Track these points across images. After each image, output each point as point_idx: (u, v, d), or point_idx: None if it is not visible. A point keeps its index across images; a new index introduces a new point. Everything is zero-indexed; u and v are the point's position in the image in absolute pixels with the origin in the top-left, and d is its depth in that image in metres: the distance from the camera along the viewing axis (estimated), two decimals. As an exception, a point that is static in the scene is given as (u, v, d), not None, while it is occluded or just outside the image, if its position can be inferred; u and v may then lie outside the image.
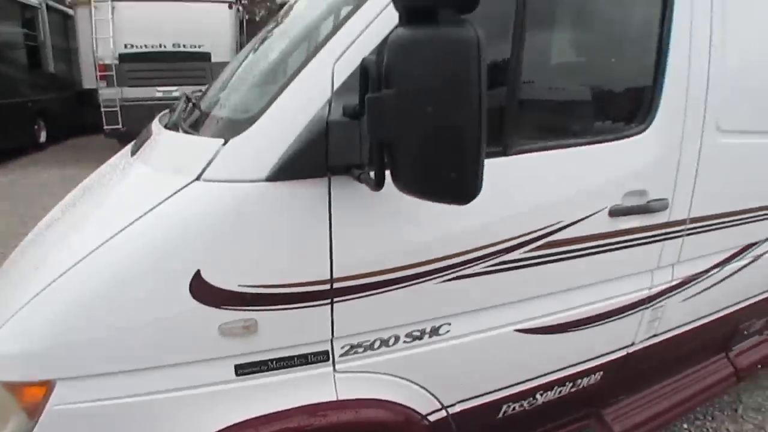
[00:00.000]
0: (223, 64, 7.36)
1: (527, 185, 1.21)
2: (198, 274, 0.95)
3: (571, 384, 1.62)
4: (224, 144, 1.00)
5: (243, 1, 9.93)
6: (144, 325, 0.97)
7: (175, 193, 0.97)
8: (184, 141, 1.23)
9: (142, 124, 1.83)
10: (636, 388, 1.97)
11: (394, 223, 1.08)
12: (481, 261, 1.19)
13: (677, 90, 1.44)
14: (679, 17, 1.41)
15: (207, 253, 0.97)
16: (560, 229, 1.28)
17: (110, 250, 0.96)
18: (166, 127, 1.42)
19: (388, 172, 0.86)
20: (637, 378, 1.93)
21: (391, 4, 0.81)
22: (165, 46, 7.62)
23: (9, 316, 0.97)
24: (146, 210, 0.97)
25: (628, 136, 1.39)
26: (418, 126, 0.75)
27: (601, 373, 1.69)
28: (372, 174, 0.90)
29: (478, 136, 0.73)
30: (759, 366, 2.48)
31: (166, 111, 1.89)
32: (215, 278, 0.97)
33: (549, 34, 1.42)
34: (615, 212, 1.37)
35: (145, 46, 7.62)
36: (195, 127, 1.25)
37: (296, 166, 0.97)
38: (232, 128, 1.04)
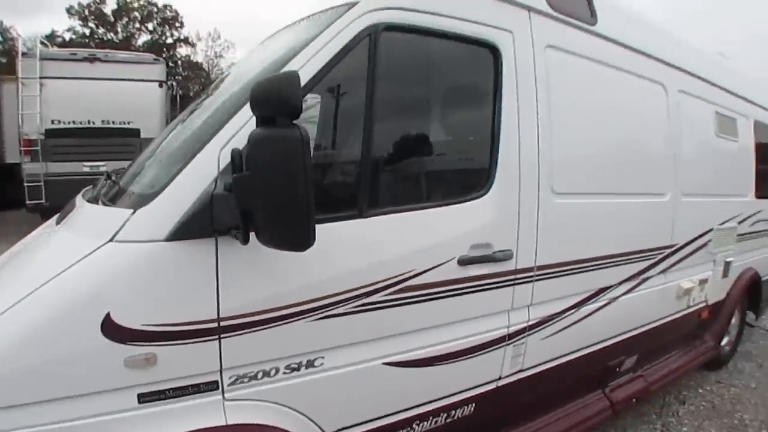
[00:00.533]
0: (151, 140, 7.70)
1: (383, 240, 1.56)
2: (108, 315, 1.20)
3: (445, 414, 1.90)
4: (133, 213, 1.29)
5: (177, 78, 10.44)
6: (60, 359, 1.18)
7: (93, 251, 1.24)
8: (102, 211, 1.49)
9: (67, 198, 2.07)
10: (515, 422, 2.28)
11: (268, 272, 1.38)
12: (346, 303, 1.50)
13: (509, 163, 1.89)
14: (507, 99, 1.88)
15: (116, 298, 1.22)
16: (414, 276, 1.63)
17: (36, 298, 1.19)
18: (87, 200, 1.69)
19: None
20: (514, 411, 2.23)
21: None
22: (94, 123, 7.84)
23: None
24: (69, 265, 1.22)
25: (470, 200, 1.80)
26: (266, 198, 1.11)
27: (474, 404, 1.98)
28: (236, 233, 1.23)
29: (307, 204, 1.09)
30: (633, 399, 2.88)
31: (90, 186, 2.17)
32: (122, 319, 1.21)
33: (403, 119, 1.85)
34: (463, 261, 1.75)
35: (73, 122, 7.80)
36: (112, 200, 1.52)
37: (189, 229, 1.27)
38: (139, 201, 1.34)
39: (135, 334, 1.23)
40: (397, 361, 1.68)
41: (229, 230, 1.27)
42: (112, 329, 1.21)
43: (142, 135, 8.13)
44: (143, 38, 30.20)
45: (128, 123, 8.09)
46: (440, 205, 1.73)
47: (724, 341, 4.01)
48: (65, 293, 1.20)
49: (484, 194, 1.83)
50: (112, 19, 28.92)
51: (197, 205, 1.28)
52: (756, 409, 3.43)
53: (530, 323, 2.09)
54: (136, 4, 29.26)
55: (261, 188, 1.11)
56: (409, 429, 1.79)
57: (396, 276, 1.59)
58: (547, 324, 2.18)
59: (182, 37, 31.13)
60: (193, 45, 31.94)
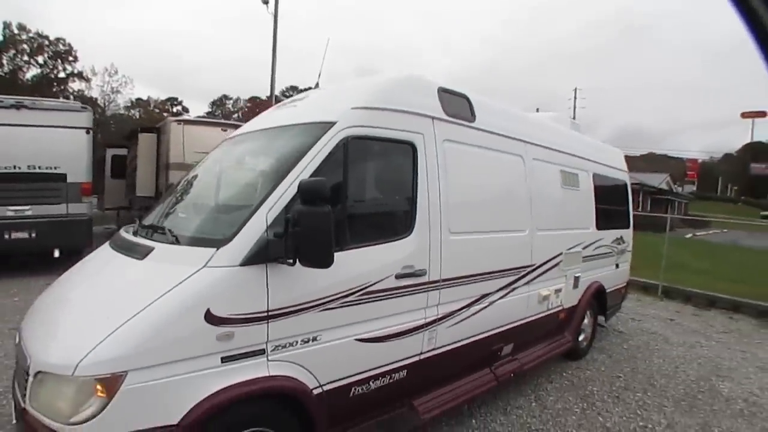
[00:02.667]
0: (77, 185, 8.07)
1: (353, 263, 2.69)
2: (208, 309, 2.20)
3: (389, 377, 3.04)
4: (216, 250, 2.31)
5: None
6: (179, 337, 2.16)
7: (195, 272, 2.24)
8: (190, 250, 2.44)
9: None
10: (433, 387, 3.47)
11: (294, 284, 2.46)
12: (333, 301, 2.61)
13: (423, 214, 3.13)
14: (421, 176, 3.13)
15: (213, 300, 2.22)
16: (370, 285, 2.79)
17: (161, 305, 2.16)
18: (161, 242, 2.64)
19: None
20: (432, 378, 3.42)
21: (291, 189, 2.36)
22: (19, 168, 8.10)
23: (100, 341, 2.06)
24: (180, 281, 2.20)
25: (401, 239, 3.01)
26: (309, 241, 2.23)
27: (406, 371, 3.15)
28: (288, 260, 2.33)
29: (330, 243, 2.24)
30: (512, 375, 4.21)
31: (127, 230, 3.11)
32: (218, 312, 2.21)
33: (364, 191, 3.03)
34: (398, 276, 2.94)
35: None
36: (194, 243, 2.49)
37: (252, 259, 2.31)
38: (219, 242, 2.35)
39: (223, 320, 2.25)
40: (362, 338, 2.81)
41: (277, 259, 2.35)
42: (211, 318, 2.22)
43: (69, 179, 8.64)
44: (32, 72, 28.99)
45: (55, 168, 8.44)
46: (385, 242, 2.92)
47: (581, 337, 5.58)
48: (183, 297, 2.19)
49: (409, 235, 3.06)
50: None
51: (256, 246, 2.33)
52: (602, 385, 4.95)
53: (438, 316, 3.32)
54: (24, 36, 28.08)
55: (307, 236, 2.22)
56: (367, 385, 2.90)
57: (361, 285, 2.74)
58: (450, 317, 3.42)
59: (76, 71, 30.30)
60: (87, 80, 31.11)
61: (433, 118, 3.30)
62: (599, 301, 5.91)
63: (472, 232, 3.59)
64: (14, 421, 2.49)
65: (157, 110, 53.55)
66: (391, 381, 3.06)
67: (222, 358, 2.28)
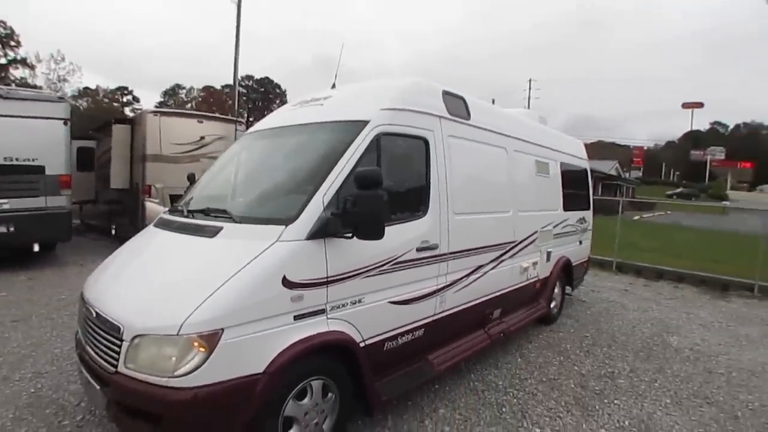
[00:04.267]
0: (55, 177, 8.20)
1: (386, 239, 3.29)
2: (284, 276, 2.76)
3: (411, 334, 3.70)
4: (285, 227, 2.86)
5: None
6: (262, 299, 2.71)
7: (270, 246, 2.77)
8: (260, 228, 2.93)
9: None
10: (442, 344, 4.17)
11: (346, 254, 3.05)
12: (373, 269, 3.23)
13: (435, 197, 3.79)
14: (432, 166, 3.78)
15: (287, 268, 2.77)
16: (399, 257, 3.42)
17: (246, 273, 2.70)
18: (232, 221, 3.11)
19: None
20: (442, 336, 4.11)
21: (341, 176, 3.00)
22: None
23: (199, 304, 2.53)
24: (258, 254, 2.73)
25: (419, 218, 3.66)
26: (366, 218, 2.83)
27: (423, 329, 3.82)
28: (346, 235, 2.93)
29: (383, 221, 2.86)
30: (501, 334, 4.97)
31: (170, 212, 3.60)
32: (291, 278, 2.78)
33: (392, 178, 3.56)
34: (418, 249, 3.60)
35: None
36: (262, 222, 2.98)
37: (314, 234, 2.88)
38: (286, 220, 2.88)
39: (295, 284, 2.82)
40: (393, 300, 3.45)
41: (335, 234, 2.94)
42: (286, 282, 2.78)
43: (47, 172, 8.61)
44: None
45: (33, 160, 8.42)
46: (408, 221, 3.55)
47: (553, 305, 6.43)
48: (264, 266, 2.73)
49: (425, 215, 3.71)
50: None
51: (317, 223, 2.90)
52: (573, 343, 5.80)
53: (447, 283, 4.00)
54: (-41, 19, 26.48)
55: (365, 215, 2.82)
56: (396, 341, 3.55)
57: (392, 256, 3.37)
58: (455, 284, 4.11)
59: (19, 57, 28.84)
60: (32, 67, 29.67)
61: (439, 117, 3.95)
62: (567, 273, 6.80)
63: (470, 213, 4.28)
64: (97, 387, 2.79)
65: (106, 100, 51.52)
66: (413, 338, 3.72)
67: (294, 317, 2.84)
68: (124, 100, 62.31)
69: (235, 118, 12.39)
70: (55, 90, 29.25)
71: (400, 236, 3.43)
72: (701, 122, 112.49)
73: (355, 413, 3.39)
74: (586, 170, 7.74)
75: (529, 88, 50.73)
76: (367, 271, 3.22)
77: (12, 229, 8.36)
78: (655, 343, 5.98)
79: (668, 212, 31.67)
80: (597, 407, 4.14)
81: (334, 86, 4.19)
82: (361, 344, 3.22)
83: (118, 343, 2.64)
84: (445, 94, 4.11)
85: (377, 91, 3.86)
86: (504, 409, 4.00)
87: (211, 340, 2.49)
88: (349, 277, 3.10)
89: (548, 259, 6.06)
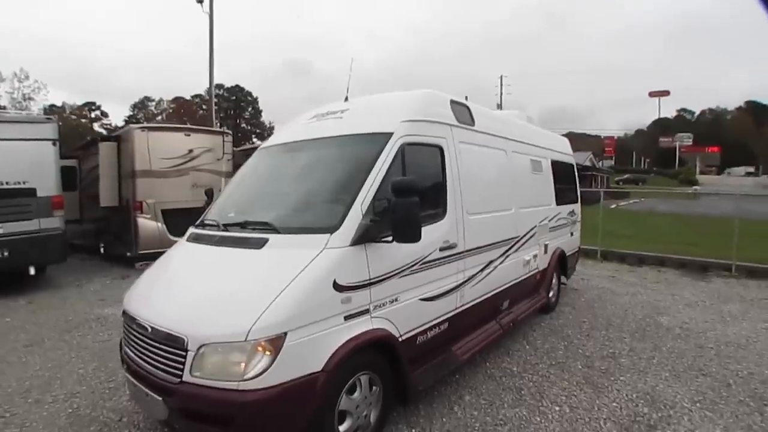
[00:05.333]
0: (48, 199, 8.29)
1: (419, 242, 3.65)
2: (335, 280, 3.07)
3: (438, 328, 4.04)
4: (330, 235, 3.16)
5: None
6: (318, 302, 3.01)
7: (319, 253, 3.07)
8: (307, 237, 3.22)
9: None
10: (462, 336, 4.53)
11: (384, 258, 3.37)
12: (405, 269, 3.57)
13: (451, 200, 4.15)
14: (447, 170, 4.14)
15: (336, 273, 3.07)
16: (426, 257, 3.77)
17: (302, 279, 2.99)
18: (276, 232, 3.36)
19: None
20: (462, 328, 4.47)
21: (374, 185, 3.34)
22: None
23: (263, 311, 2.80)
24: (309, 262, 3.03)
25: (440, 220, 4.01)
26: (403, 223, 3.17)
27: (447, 323, 4.17)
28: (386, 239, 3.26)
29: (419, 225, 3.20)
30: (511, 324, 5.37)
31: (198, 227, 3.86)
32: (340, 281, 3.08)
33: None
34: (441, 249, 3.95)
35: None
36: (307, 232, 3.26)
37: (357, 240, 3.19)
38: (330, 229, 3.18)
39: (344, 287, 3.12)
40: (423, 297, 3.80)
41: (374, 239, 3.27)
42: (337, 286, 3.08)
43: (39, 194, 8.60)
44: None
45: (24, 183, 8.42)
46: (432, 223, 3.88)
47: (551, 294, 6.86)
48: (316, 272, 3.02)
49: (444, 217, 4.07)
50: None
51: (359, 230, 3.21)
52: (574, 328, 6.25)
53: (465, 279, 4.37)
54: None
55: (402, 220, 3.14)
56: (426, 334, 3.89)
57: (421, 257, 3.72)
58: (472, 279, 4.49)
59: (-22, 77, 28.09)
60: (-6, 87, 28.91)
61: (450, 125, 4.32)
62: (562, 263, 7.26)
63: (481, 212, 4.66)
64: (158, 398, 2.93)
65: (74, 117, 50.48)
66: (439, 331, 4.07)
67: (344, 317, 3.14)
68: (93, 115, 61.23)
69: (222, 130, 12.51)
70: (21, 109, 28.54)
71: (426, 238, 3.74)
72: (668, 110, 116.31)
73: (392, 405, 3.71)
74: (572, 165, 8.23)
75: (501, 84, 51.91)
76: (402, 271, 3.55)
77: (6, 253, 8.33)
78: (648, 323, 6.48)
79: (642, 199, 32.88)
80: (606, 384, 4.56)
81: (347, 99, 4.49)
82: (399, 339, 3.55)
83: (182, 353, 2.83)
84: (453, 102, 4.48)
85: (395, 103, 4.18)
86: (523, 392, 4.39)
87: (276, 343, 2.75)
88: (387, 278, 3.43)
89: (546, 252, 6.50)
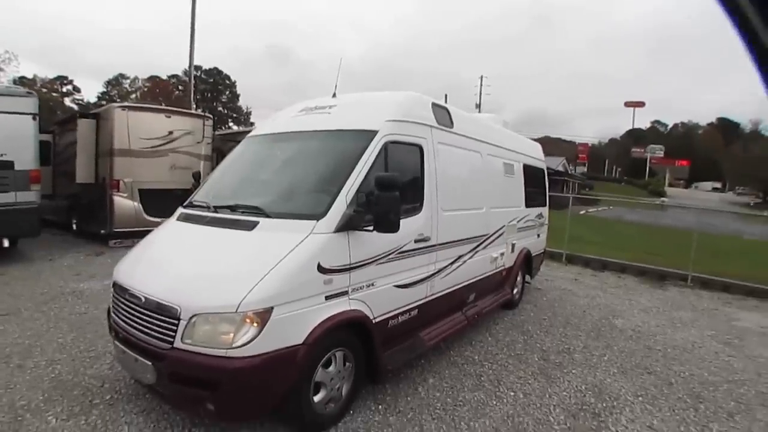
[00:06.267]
0: (25, 173, 8.36)
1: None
2: (319, 263, 3.38)
3: (408, 314, 4.40)
4: (317, 221, 3.47)
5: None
6: (303, 282, 3.32)
7: (306, 237, 3.38)
8: (295, 222, 3.51)
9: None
10: (430, 323, 4.90)
11: (363, 245, 3.70)
12: (383, 258, 3.91)
13: (428, 196, 4.50)
14: (426, 169, 4.50)
15: (321, 256, 3.39)
16: (402, 247, 4.12)
17: (290, 260, 3.28)
18: (265, 216, 3.64)
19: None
20: (430, 316, 4.84)
21: (358, 179, 3.67)
22: None
23: (252, 286, 3.09)
24: (297, 244, 3.33)
25: (416, 214, 4.36)
26: (384, 215, 3.50)
27: (417, 309, 4.53)
28: (368, 228, 3.59)
29: (398, 216, 3.55)
30: (476, 316, 5.77)
31: (186, 208, 4.12)
32: (324, 264, 3.40)
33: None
34: (416, 241, 4.31)
35: None
36: (295, 217, 3.55)
37: (341, 227, 3.51)
38: (316, 216, 3.49)
39: (327, 270, 3.44)
40: (396, 284, 4.15)
41: (356, 228, 3.59)
42: (320, 268, 3.39)
43: (17, 167, 8.68)
44: None
45: (2, 155, 8.49)
46: (410, 216, 4.22)
47: (516, 291, 7.31)
48: (303, 254, 3.32)
49: (421, 212, 4.43)
50: None
51: (343, 219, 3.53)
52: (534, 324, 6.71)
53: (436, 270, 4.74)
54: None
55: (384, 212, 3.47)
56: (397, 319, 4.24)
57: (397, 247, 4.07)
58: (442, 271, 4.86)
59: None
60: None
61: (431, 126, 4.68)
62: (527, 263, 7.72)
63: (454, 209, 5.03)
64: (149, 363, 3.18)
65: (44, 90, 49.20)
66: (409, 317, 4.43)
67: (325, 297, 3.46)
68: (64, 90, 59.63)
69: (203, 114, 12.60)
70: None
71: (403, 229, 4.07)
72: (643, 121, 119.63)
73: (363, 381, 4.04)
74: (543, 171, 8.70)
75: (480, 85, 52.77)
76: (379, 258, 3.90)
77: None
78: (603, 324, 6.99)
79: (610, 207, 33.97)
80: (558, 376, 5.01)
81: (334, 95, 4.79)
82: (373, 321, 3.89)
83: (174, 322, 3.09)
84: (434, 105, 4.84)
85: (381, 103, 4.51)
86: (482, 378, 4.80)
87: (263, 316, 3.04)
88: (366, 264, 3.77)
89: (513, 251, 6.93)
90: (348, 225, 3.57)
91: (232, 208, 3.98)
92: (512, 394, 4.50)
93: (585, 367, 5.29)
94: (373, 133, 4.01)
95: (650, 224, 23.95)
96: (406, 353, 4.39)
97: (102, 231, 10.73)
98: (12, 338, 5.27)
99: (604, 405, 4.42)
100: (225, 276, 3.30)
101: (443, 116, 4.98)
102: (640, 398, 4.64)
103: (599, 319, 7.23)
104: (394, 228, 3.58)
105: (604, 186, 59.44)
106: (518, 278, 7.36)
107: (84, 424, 3.63)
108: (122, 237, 10.64)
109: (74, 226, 12.12)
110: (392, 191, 3.50)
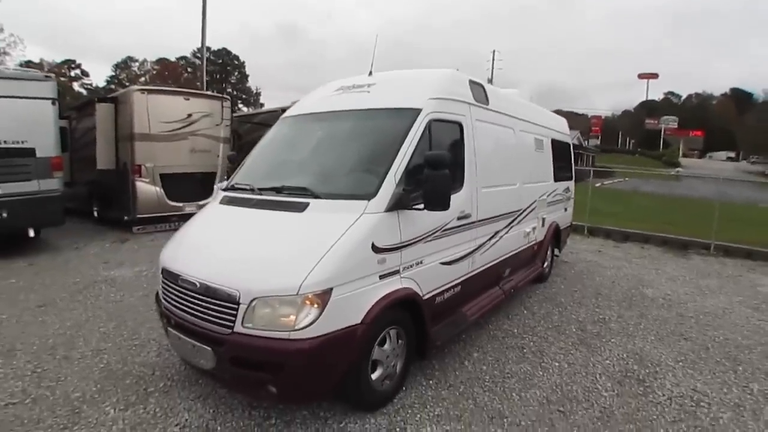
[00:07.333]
0: (47, 160, 8.38)
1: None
2: (373, 243, 3.45)
3: (452, 290, 4.49)
4: (368, 201, 3.53)
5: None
6: (359, 262, 3.39)
7: (359, 218, 3.44)
8: (346, 203, 3.56)
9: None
10: (471, 298, 5.01)
11: (413, 224, 3.77)
12: (430, 235, 3.98)
13: (468, 175, 4.55)
14: (466, 146, 4.55)
15: (374, 236, 3.45)
16: (446, 225, 4.19)
17: (345, 240, 3.34)
18: (315, 197, 3.70)
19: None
20: (471, 291, 4.94)
21: (405, 158, 3.73)
22: None
23: (312, 268, 3.14)
24: (350, 225, 3.39)
25: (458, 191, 4.40)
26: (435, 193, 3.56)
27: (460, 285, 4.63)
28: (418, 207, 3.65)
29: (449, 195, 3.60)
30: (512, 290, 5.87)
31: (228, 189, 4.18)
32: (378, 243, 3.46)
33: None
34: (458, 218, 4.38)
35: None
36: (347, 198, 3.59)
37: (391, 207, 3.57)
38: (367, 196, 3.54)
39: (380, 249, 3.51)
40: (442, 261, 4.23)
41: (405, 207, 3.66)
42: (374, 248, 3.46)
43: (38, 154, 8.56)
44: None
45: (23, 142, 8.38)
46: (453, 194, 4.25)
47: (546, 265, 7.40)
48: (358, 234, 3.38)
49: (462, 190, 4.48)
50: None
51: (393, 198, 3.58)
52: (566, 296, 6.81)
53: (477, 246, 4.82)
54: None
55: (434, 190, 3.52)
56: (444, 295, 4.33)
57: (442, 224, 4.13)
58: (482, 247, 4.94)
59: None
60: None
61: (469, 104, 4.70)
62: (556, 236, 7.79)
63: (492, 186, 5.08)
64: (208, 349, 3.21)
65: (52, 75, 49.22)
66: (453, 293, 4.52)
67: (380, 276, 3.53)
68: (72, 74, 59.52)
69: (221, 96, 12.57)
70: (-5, 63, 27.77)
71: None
72: (656, 92, 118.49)
73: (412, 358, 4.14)
74: (569, 145, 8.69)
75: (493, 59, 52.13)
76: (427, 236, 3.96)
77: (5, 215, 8.30)
78: (634, 294, 7.09)
79: (626, 179, 33.80)
80: (598, 345, 5.12)
81: (371, 73, 4.81)
82: (423, 298, 3.98)
83: (234, 306, 3.09)
84: (471, 82, 4.85)
85: (421, 81, 4.52)
86: (525, 350, 4.91)
87: (324, 297, 3.07)
88: (415, 242, 3.84)
89: (543, 225, 6.99)
90: (398, 204, 3.62)
91: (278, 190, 3.98)
92: (556, 364, 4.62)
93: (623, 336, 5.40)
94: (417, 112, 4.03)
95: (666, 195, 23.85)
96: (451, 328, 4.49)
97: (126, 217, 10.79)
98: (53, 329, 5.26)
99: (647, 371, 4.54)
100: (281, 259, 3.32)
101: (479, 93, 4.99)
102: (681, 363, 4.75)
103: (629, 289, 7.33)
104: (445, 205, 3.62)
105: (618, 158, 58.96)
106: (548, 252, 7.44)
107: (143, 413, 3.65)
108: (145, 223, 10.74)
109: (95, 214, 12.24)
110: (442, 169, 3.53)
